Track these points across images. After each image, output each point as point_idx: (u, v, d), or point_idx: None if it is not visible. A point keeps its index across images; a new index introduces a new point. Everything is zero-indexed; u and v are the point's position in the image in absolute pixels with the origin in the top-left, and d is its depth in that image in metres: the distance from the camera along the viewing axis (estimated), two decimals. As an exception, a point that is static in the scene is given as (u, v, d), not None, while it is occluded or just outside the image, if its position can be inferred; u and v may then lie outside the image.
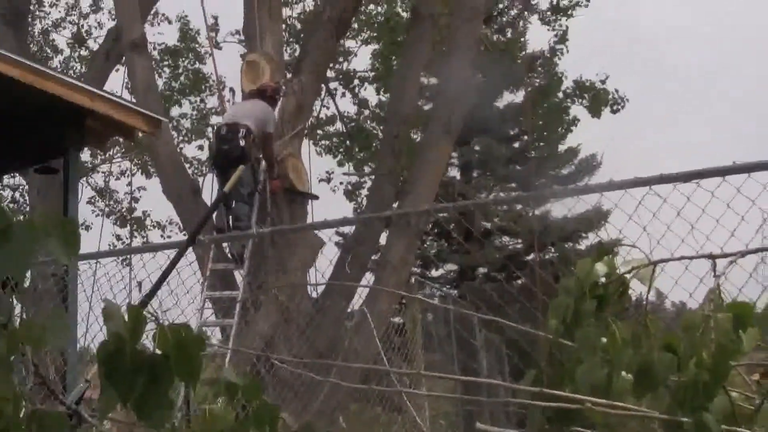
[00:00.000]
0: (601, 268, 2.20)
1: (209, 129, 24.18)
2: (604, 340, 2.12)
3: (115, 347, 1.82)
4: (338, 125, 24.49)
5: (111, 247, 21.21)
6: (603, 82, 21.38)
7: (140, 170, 25.14)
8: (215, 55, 17.16)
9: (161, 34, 24.35)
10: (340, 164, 24.57)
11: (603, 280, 2.20)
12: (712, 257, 2.19)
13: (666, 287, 3.89)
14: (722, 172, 4.38)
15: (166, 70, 23.99)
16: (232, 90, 12.20)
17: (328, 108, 23.16)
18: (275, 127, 11.07)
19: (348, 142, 23.93)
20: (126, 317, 1.82)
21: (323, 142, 24.10)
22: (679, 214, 4.18)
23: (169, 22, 24.24)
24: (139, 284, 10.18)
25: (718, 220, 4.06)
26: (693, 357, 2.00)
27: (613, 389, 2.04)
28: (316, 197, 12.06)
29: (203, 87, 24.41)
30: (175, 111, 24.41)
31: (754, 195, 4.12)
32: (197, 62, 24.30)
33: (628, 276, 2.18)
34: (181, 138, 24.46)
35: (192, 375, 1.89)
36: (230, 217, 10.57)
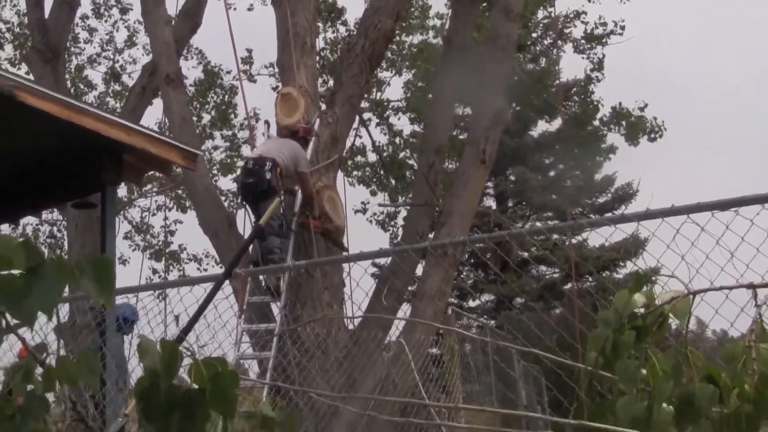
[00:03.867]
0: (639, 298, 2.18)
1: (240, 159, 24.40)
2: (644, 371, 2.10)
3: (150, 382, 1.82)
4: (369, 156, 24.58)
5: (148, 281, 21.36)
6: (642, 109, 21.30)
7: (176, 205, 25.35)
8: (246, 88, 17.32)
9: (195, 68, 24.64)
10: (373, 194, 24.63)
11: (641, 310, 2.18)
12: (753, 287, 2.16)
13: (707, 316, 3.86)
14: (761, 199, 4.33)
15: (197, 105, 24.18)
16: (267, 122, 12.25)
17: (360, 137, 23.25)
18: (308, 164, 11.12)
19: (382, 171, 23.97)
20: (160, 352, 1.82)
21: (356, 172, 24.15)
22: (718, 242, 4.14)
23: (203, 57, 24.47)
24: (176, 318, 10.23)
25: (758, 248, 4.02)
26: (735, 388, 1.97)
27: (654, 421, 2.01)
28: (345, 249, 11.99)
29: (232, 118, 24.57)
30: (207, 144, 24.62)
31: (795, 223, 4.09)
32: (228, 95, 24.49)
33: (666, 306, 2.15)
34: (215, 171, 24.63)
35: (228, 409, 1.89)
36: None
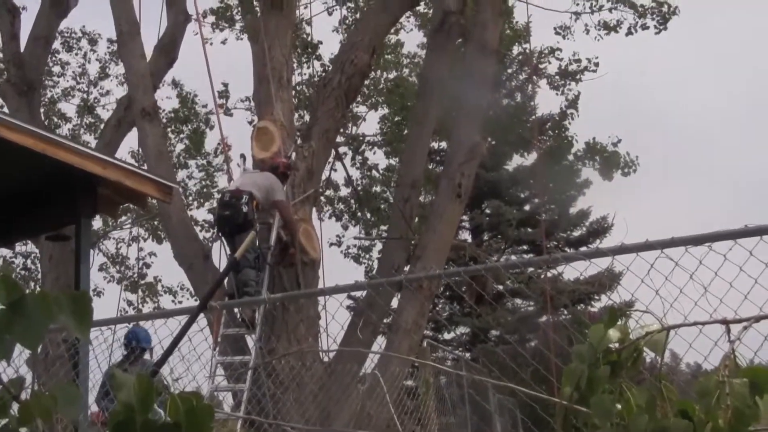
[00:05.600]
0: (614, 333, 2.19)
1: (216, 190, 24.37)
2: (619, 406, 2.11)
3: (125, 417, 1.81)
4: (342, 191, 24.53)
5: (122, 313, 21.22)
6: (615, 145, 21.45)
7: (151, 236, 25.24)
8: (222, 119, 17.34)
9: (169, 98, 24.63)
10: (345, 228, 24.62)
11: (616, 345, 2.19)
12: (726, 322, 2.18)
13: (680, 350, 3.88)
14: (734, 235, 4.37)
15: (171, 135, 24.09)
16: (243, 156, 12.26)
17: (336, 170, 23.20)
18: (284, 194, 11.11)
19: (357, 205, 23.96)
20: (136, 386, 1.81)
21: (327, 208, 24.11)
22: (692, 277, 4.17)
23: (176, 86, 24.38)
24: (150, 351, 10.19)
25: (731, 283, 4.05)
26: (709, 423, 1.98)
27: (628, 456, 2.02)
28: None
29: (204, 145, 24.54)
30: (181, 174, 24.52)
31: (767, 258, 4.12)
32: (202, 124, 24.45)
33: (641, 341, 2.17)
34: (189, 201, 24.52)
35: (203, 443, 1.88)
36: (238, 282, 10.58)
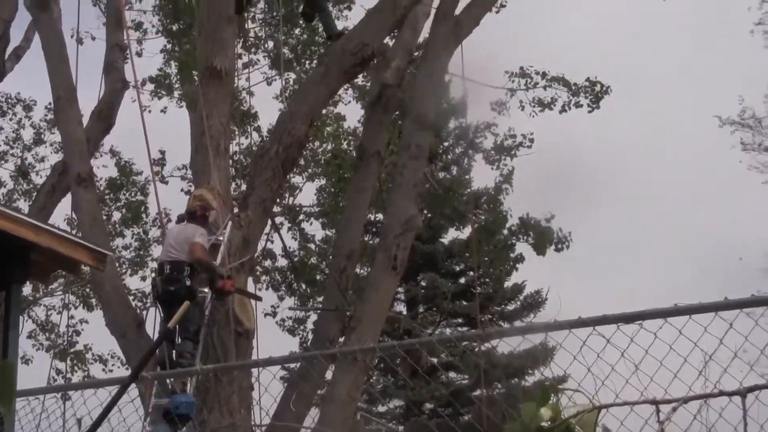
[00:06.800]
0: (545, 412, 2.20)
1: (151, 259, 24.12)
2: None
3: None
4: (279, 260, 24.42)
5: (51, 382, 20.83)
6: (548, 221, 21.69)
7: (81, 303, 24.87)
8: (158, 187, 17.27)
9: (105, 167, 24.40)
10: (281, 299, 24.45)
11: (548, 423, 2.20)
12: (655, 402, 2.21)
13: (613, 425, 3.90)
14: (664, 314, 4.43)
15: (108, 201, 23.89)
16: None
17: (272, 241, 23.11)
18: (203, 236, 10.79)
19: (292, 276, 23.85)
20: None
21: (264, 278, 23.95)
22: (623, 355, 4.22)
23: (113, 155, 24.22)
24: (79, 421, 9.98)
25: (662, 361, 4.10)
26: (638, 503, 2.00)
27: None
28: (259, 299, 12.08)
29: (143, 217, 24.32)
30: (118, 242, 24.24)
31: (696, 337, 4.17)
32: (140, 194, 24.27)
33: (573, 420, 2.19)
34: (123, 270, 24.23)
35: None
36: (173, 352, 10.43)
